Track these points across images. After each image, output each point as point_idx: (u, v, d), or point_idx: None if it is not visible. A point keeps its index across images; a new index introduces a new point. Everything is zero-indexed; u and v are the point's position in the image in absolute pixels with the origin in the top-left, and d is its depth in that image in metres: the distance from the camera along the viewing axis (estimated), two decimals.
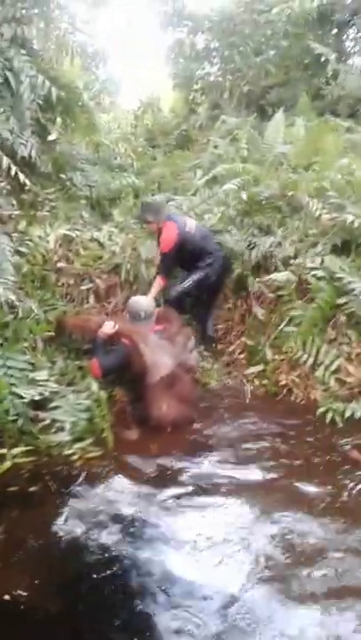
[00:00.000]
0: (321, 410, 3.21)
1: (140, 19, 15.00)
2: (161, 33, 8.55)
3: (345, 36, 8.37)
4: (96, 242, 4.12)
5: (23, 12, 4.85)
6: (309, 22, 7.61)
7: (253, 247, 4.07)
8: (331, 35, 8.18)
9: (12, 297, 3.22)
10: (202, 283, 3.92)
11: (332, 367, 3.41)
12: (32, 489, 2.49)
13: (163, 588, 1.90)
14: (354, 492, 2.47)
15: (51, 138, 4.71)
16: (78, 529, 2.21)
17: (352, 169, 4.33)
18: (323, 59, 7.33)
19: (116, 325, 3.21)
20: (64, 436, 2.82)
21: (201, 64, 8.46)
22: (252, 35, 7.82)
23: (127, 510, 2.35)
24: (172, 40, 8.53)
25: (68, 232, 4.04)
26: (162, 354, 3.20)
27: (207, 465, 2.76)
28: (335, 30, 8.19)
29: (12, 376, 2.89)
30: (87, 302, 3.95)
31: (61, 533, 2.19)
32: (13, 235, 3.86)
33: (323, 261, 3.70)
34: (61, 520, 2.26)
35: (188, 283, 3.90)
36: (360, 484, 2.53)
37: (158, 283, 3.84)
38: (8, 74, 4.37)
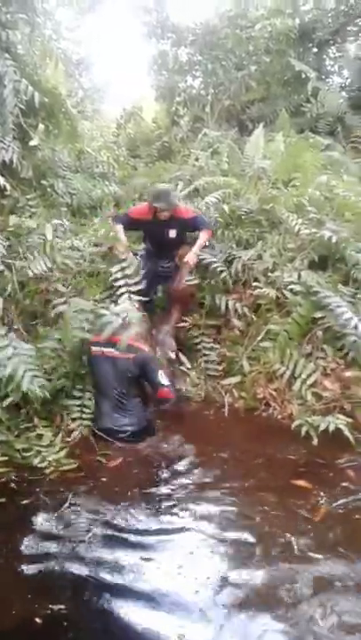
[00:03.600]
0: (296, 423, 3.22)
1: (125, 28, 15.06)
2: (145, 43, 8.61)
3: (325, 55, 8.58)
4: (77, 250, 4.09)
5: (8, 16, 4.82)
6: (291, 40, 7.78)
7: (233, 260, 4.12)
8: (311, 53, 8.36)
9: None
10: None
11: (309, 381, 3.44)
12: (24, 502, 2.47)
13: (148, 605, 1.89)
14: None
15: (32, 143, 4.65)
16: (65, 543, 2.20)
17: (331, 186, 4.44)
18: (303, 76, 7.50)
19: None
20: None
21: (184, 77, 8.55)
22: (234, 50, 7.94)
23: (107, 528, 2.33)
24: (155, 51, 8.59)
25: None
26: None
27: (187, 480, 2.75)
28: (316, 49, 8.39)
29: None
30: None
31: (52, 550, 2.17)
32: None
33: (300, 276, 3.76)
34: (47, 535, 2.24)
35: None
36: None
37: (204, 236, 4.06)
38: None
